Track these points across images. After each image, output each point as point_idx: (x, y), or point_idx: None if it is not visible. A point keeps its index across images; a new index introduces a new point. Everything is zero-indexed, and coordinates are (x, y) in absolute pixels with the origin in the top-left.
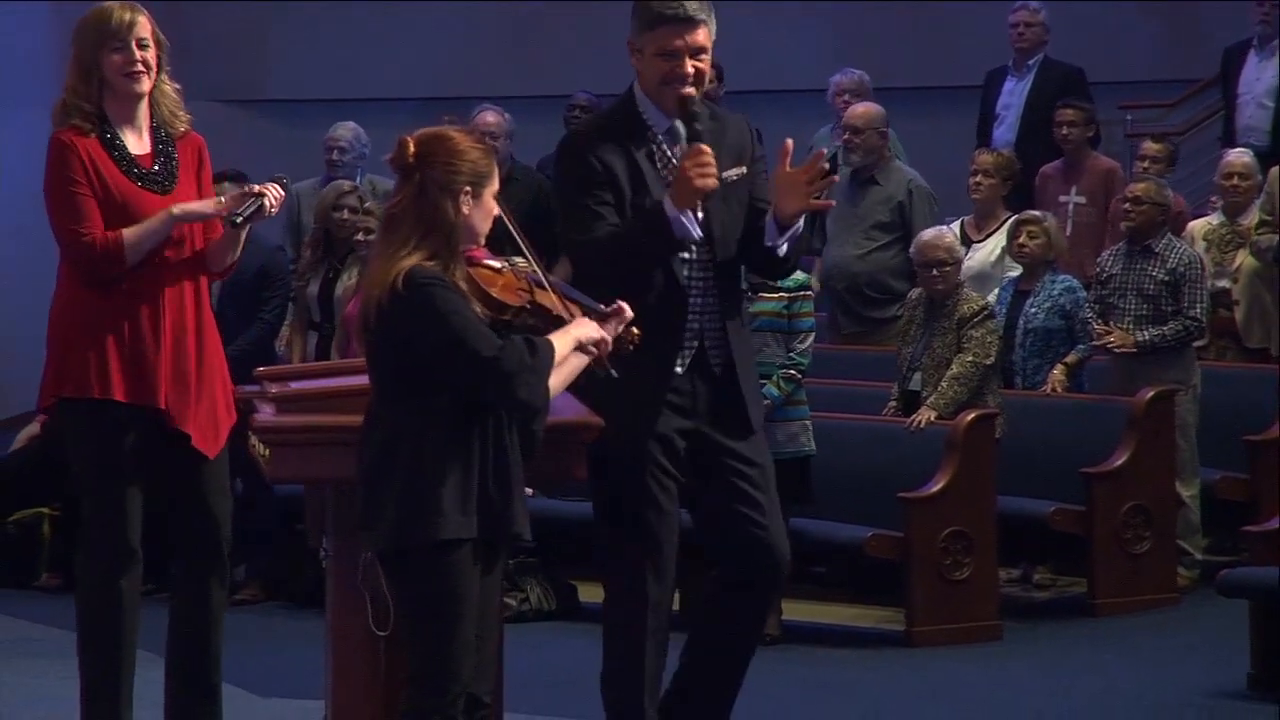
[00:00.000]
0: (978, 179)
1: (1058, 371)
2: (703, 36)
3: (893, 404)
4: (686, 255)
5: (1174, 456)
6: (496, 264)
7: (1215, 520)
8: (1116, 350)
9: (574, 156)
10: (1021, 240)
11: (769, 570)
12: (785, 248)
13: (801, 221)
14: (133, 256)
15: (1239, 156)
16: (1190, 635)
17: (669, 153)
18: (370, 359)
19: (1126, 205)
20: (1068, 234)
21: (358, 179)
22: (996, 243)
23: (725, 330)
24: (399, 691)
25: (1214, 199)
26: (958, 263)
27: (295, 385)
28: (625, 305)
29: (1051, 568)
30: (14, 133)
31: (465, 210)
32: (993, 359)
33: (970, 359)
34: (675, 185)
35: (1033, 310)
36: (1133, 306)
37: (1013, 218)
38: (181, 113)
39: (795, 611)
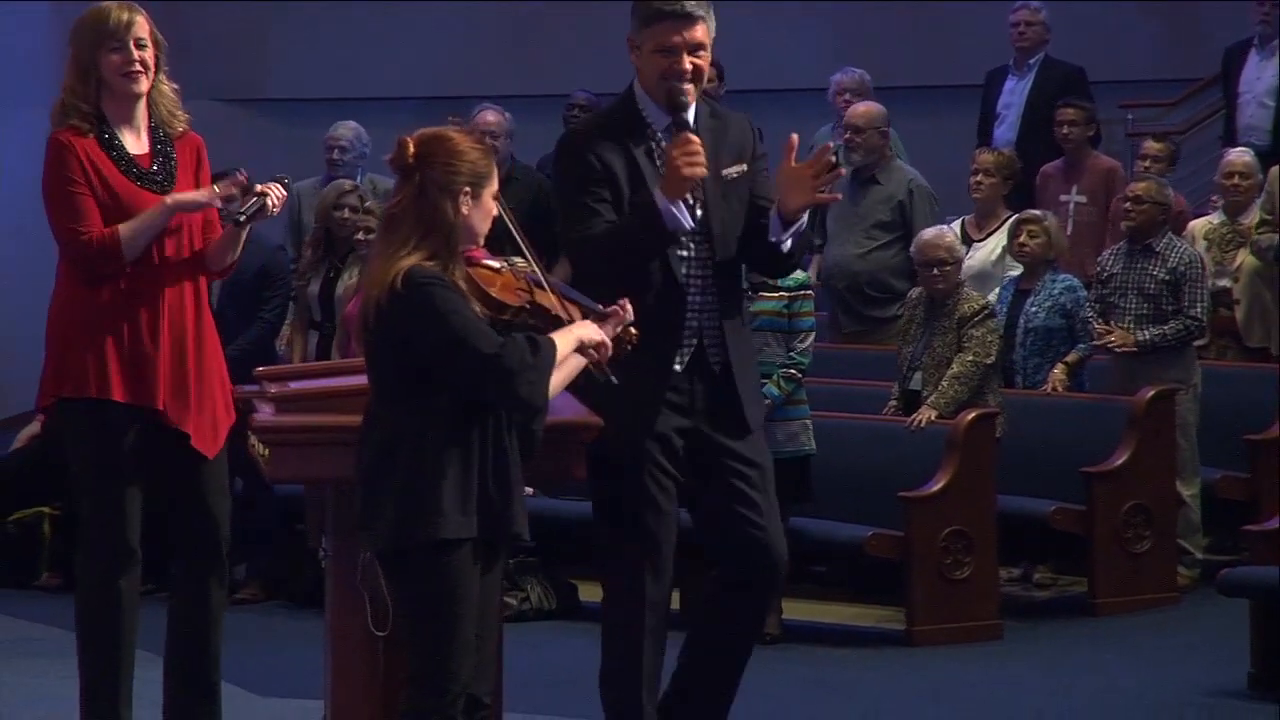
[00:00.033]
0: (978, 178)
1: (1058, 371)
2: (701, 33)
3: (893, 403)
4: (685, 253)
5: (1174, 456)
6: (496, 264)
7: (1216, 519)
8: (1117, 350)
9: (572, 154)
10: (1022, 239)
11: (766, 571)
12: (790, 243)
13: (805, 217)
14: (130, 251)
15: (1240, 156)
16: (1191, 635)
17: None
18: (369, 359)
19: (1127, 204)
20: (1068, 233)
21: (358, 178)
22: (997, 242)
23: (724, 329)
24: (398, 691)
25: (1215, 198)
26: (958, 262)
27: (294, 385)
28: (626, 305)
29: (1052, 567)
30: (14, 132)
31: (465, 211)
32: (993, 358)
33: (971, 358)
34: (665, 175)
35: (1033, 309)
36: (1133, 306)
37: (1013, 217)
38: (180, 112)
39: (795, 611)
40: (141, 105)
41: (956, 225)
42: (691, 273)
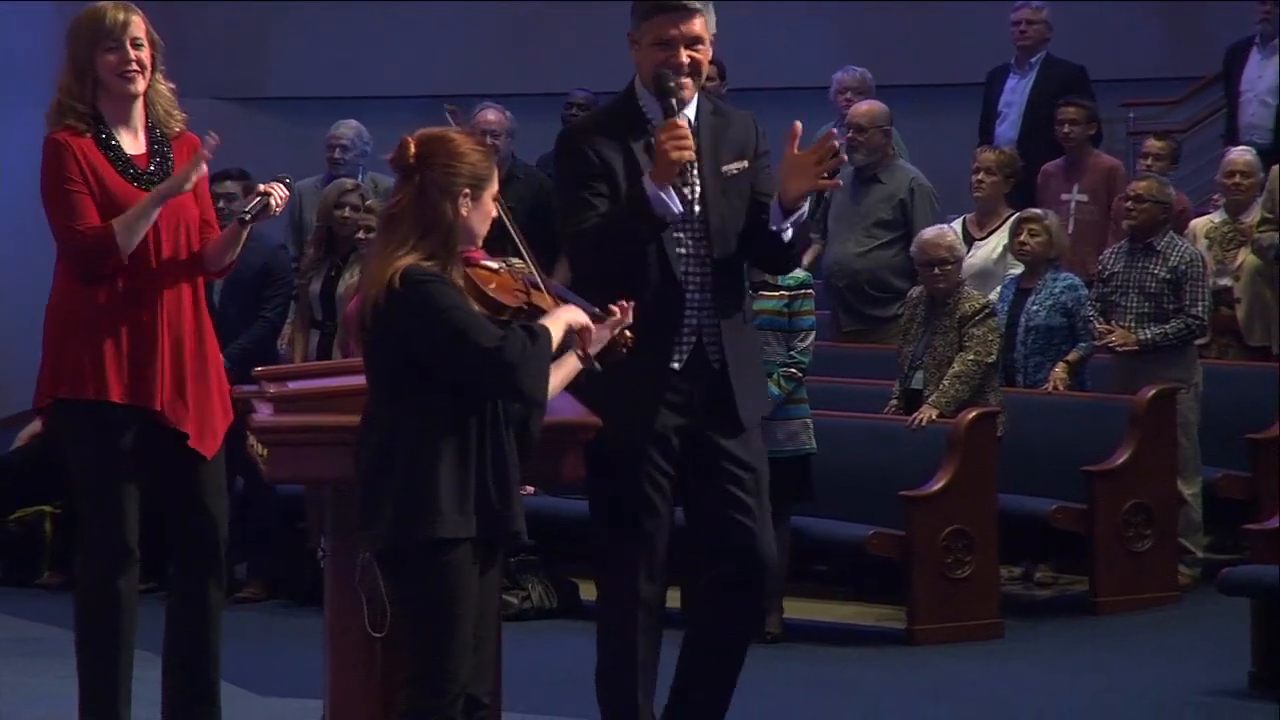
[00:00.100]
0: (980, 177)
1: (1059, 370)
2: (699, 26)
3: (894, 402)
4: (683, 250)
5: (1175, 455)
6: (494, 265)
7: (1216, 518)
8: (1118, 349)
9: (570, 150)
10: (1023, 238)
11: (755, 573)
12: (790, 232)
13: (806, 207)
14: (125, 243)
15: (1241, 154)
16: (1191, 634)
17: None
18: (367, 358)
19: (1128, 203)
20: (1070, 232)
21: (360, 177)
22: (999, 240)
23: (723, 327)
24: (397, 691)
25: (1216, 197)
26: (959, 261)
27: (293, 385)
28: (625, 306)
29: (1053, 566)
30: (14, 132)
31: (464, 212)
32: (994, 357)
33: (972, 357)
34: (654, 161)
35: (1034, 308)
36: (1134, 305)
37: (1014, 215)
38: (176, 112)
39: (796, 610)
40: (138, 105)
41: (958, 224)
42: (690, 270)
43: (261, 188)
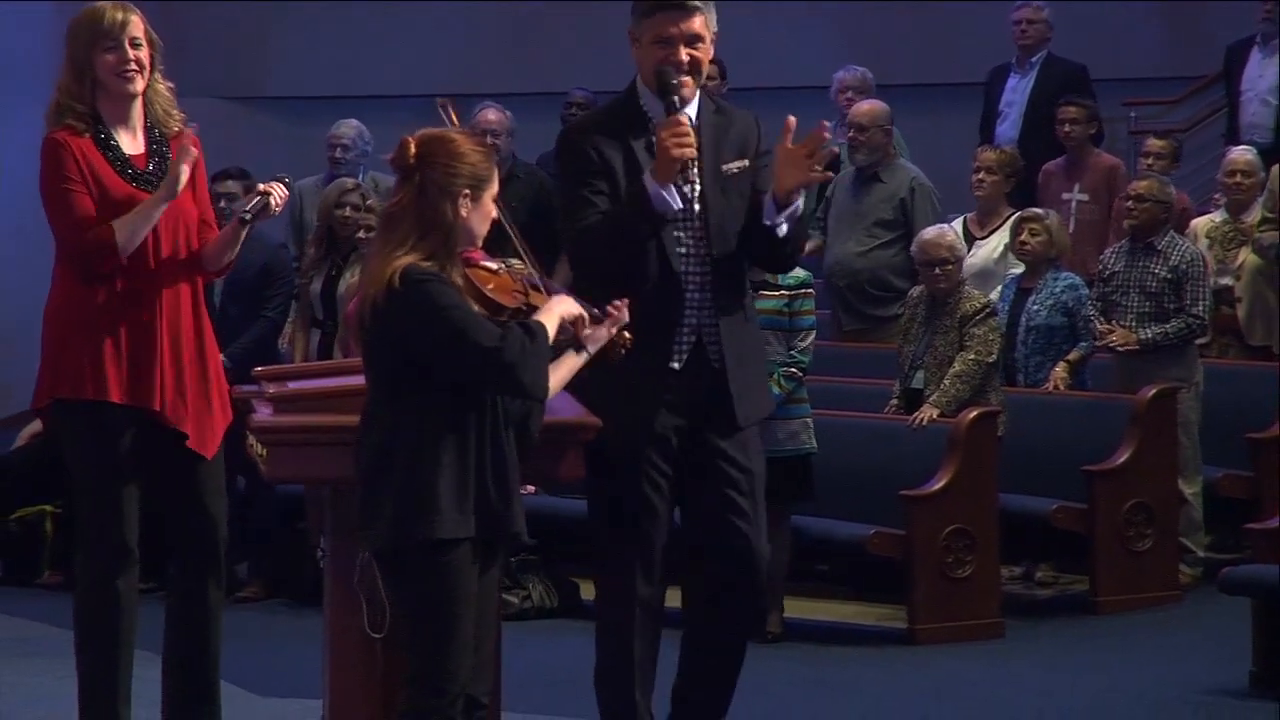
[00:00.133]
0: (980, 176)
1: (1060, 369)
2: (699, 24)
3: (894, 402)
4: (682, 249)
5: (1176, 454)
6: (493, 265)
7: (1217, 518)
8: (1119, 348)
9: (571, 148)
10: (1023, 238)
11: (748, 576)
12: (785, 227)
13: (800, 201)
14: (125, 245)
15: (1242, 154)
16: (1192, 633)
17: None
18: (367, 358)
19: (1129, 203)
20: (1070, 231)
21: (361, 176)
22: (999, 240)
23: (723, 325)
24: (396, 691)
25: (1217, 196)
26: (959, 261)
27: (293, 385)
28: (621, 305)
29: (1053, 565)
30: (14, 132)
31: (464, 212)
32: (995, 357)
33: (973, 357)
34: (655, 158)
35: (1035, 308)
36: (1135, 304)
37: (1015, 215)
38: (175, 112)
39: (797, 609)
40: (137, 105)
41: (958, 223)
42: (690, 269)
43: (261, 187)
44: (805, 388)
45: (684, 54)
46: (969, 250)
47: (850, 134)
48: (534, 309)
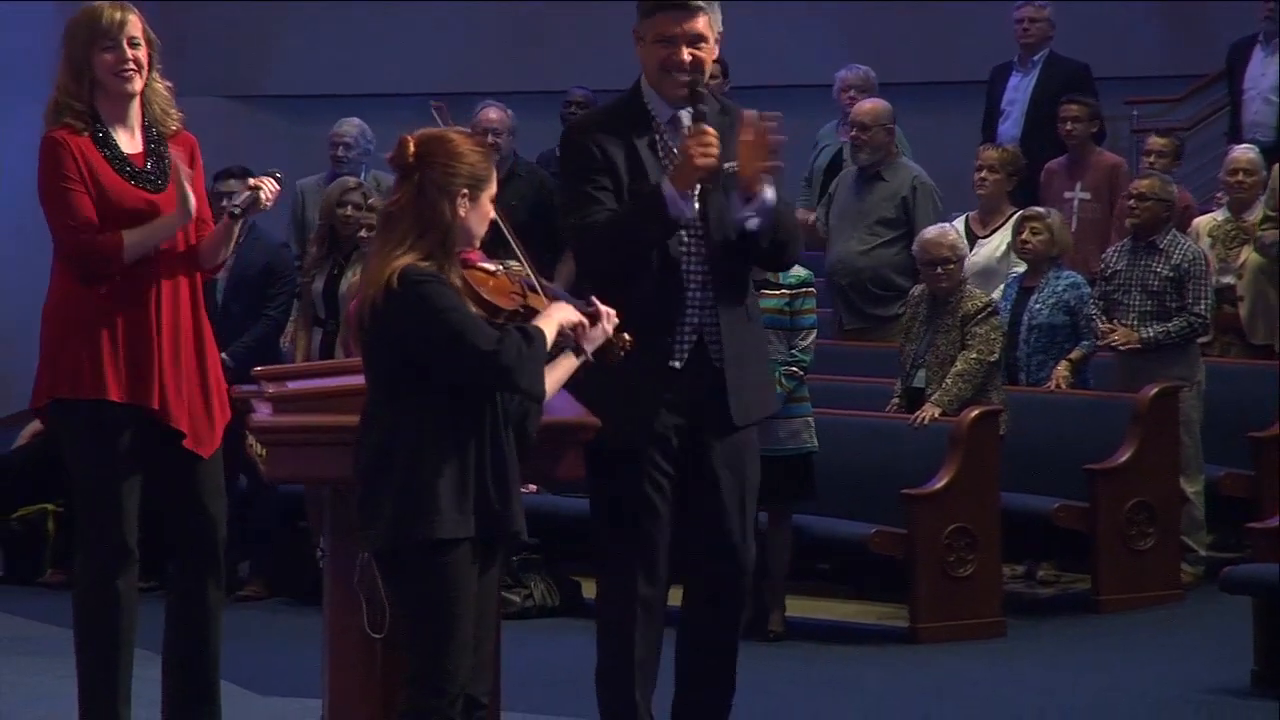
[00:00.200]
0: (983, 174)
1: (1062, 368)
2: (702, 25)
3: (896, 401)
4: (684, 248)
5: (1178, 453)
6: (491, 267)
7: (1219, 517)
8: (1121, 347)
9: (574, 145)
10: (1025, 237)
11: (731, 579)
12: (756, 221)
13: (770, 194)
14: (130, 256)
15: (1244, 152)
16: (1194, 632)
17: (670, 142)
18: (366, 358)
19: (1131, 202)
20: (1072, 230)
21: (363, 175)
22: (1002, 238)
23: (724, 324)
24: (396, 691)
25: (1219, 195)
26: (961, 260)
27: (292, 385)
28: (596, 302)
29: (1055, 564)
30: (14, 132)
31: (462, 212)
32: (996, 356)
33: (974, 356)
34: (677, 164)
35: (1037, 306)
36: (1137, 303)
37: (1018, 213)
38: (173, 111)
39: (799, 608)
40: (135, 104)
41: (960, 222)
42: (691, 268)
43: (251, 181)
44: (806, 386)
45: (686, 54)
46: (971, 249)
47: (853, 133)
48: (531, 311)
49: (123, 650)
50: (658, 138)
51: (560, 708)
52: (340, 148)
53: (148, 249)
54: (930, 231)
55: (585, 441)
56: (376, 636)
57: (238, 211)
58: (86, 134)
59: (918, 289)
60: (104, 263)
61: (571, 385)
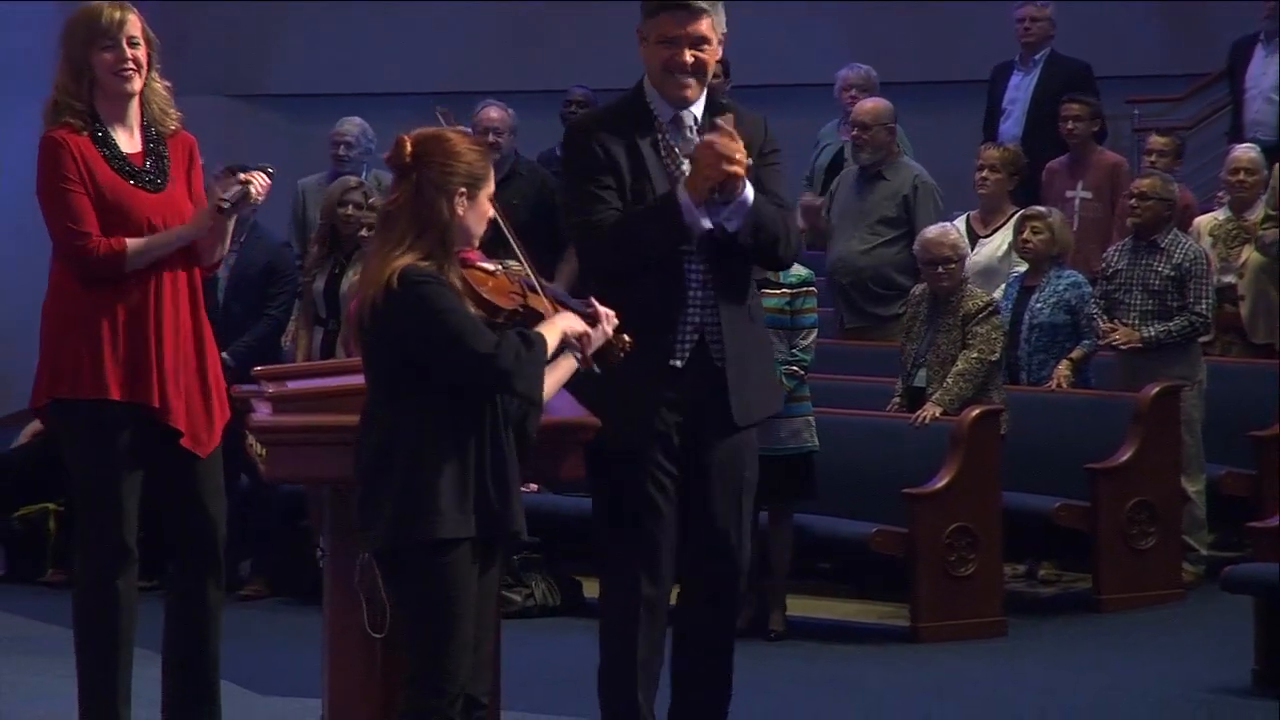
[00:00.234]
0: (984, 174)
1: (1063, 367)
2: (705, 27)
3: (897, 400)
4: (686, 247)
5: (1179, 452)
6: (490, 266)
7: (1220, 516)
8: (1122, 346)
9: (577, 144)
10: (1025, 236)
11: (724, 580)
12: (735, 223)
13: (750, 193)
14: (132, 264)
15: (1245, 152)
16: (1195, 631)
17: (673, 142)
18: (365, 358)
19: (1132, 201)
20: (1074, 229)
21: (364, 174)
22: (1003, 238)
23: (725, 323)
24: (396, 691)
25: (1220, 194)
26: (962, 260)
27: (292, 385)
28: (597, 305)
29: (1056, 564)
30: (14, 132)
31: (460, 211)
32: (997, 355)
33: (975, 355)
34: (692, 170)
35: (1038, 305)
36: (1138, 302)
37: (1019, 213)
38: (172, 110)
39: (799, 607)
40: (134, 104)
41: (961, 221)
42: (693, 267)
43: (241, 176)
44: (807, 386)
45: (688, 55)
46: (972, 248)
47: (854, 132)
48: (531, 310)
49: (122, 650)
50: (660, 137)
51: (561, 708)
52: (341, 147)
53: (152, 259)
54: (931, 231)
55: (586, 441)
56: (377, 636)
57: (227, 206)
58: (85, 133)
59: (919, 288)
60: (106, 269)
61: (572, 385)
